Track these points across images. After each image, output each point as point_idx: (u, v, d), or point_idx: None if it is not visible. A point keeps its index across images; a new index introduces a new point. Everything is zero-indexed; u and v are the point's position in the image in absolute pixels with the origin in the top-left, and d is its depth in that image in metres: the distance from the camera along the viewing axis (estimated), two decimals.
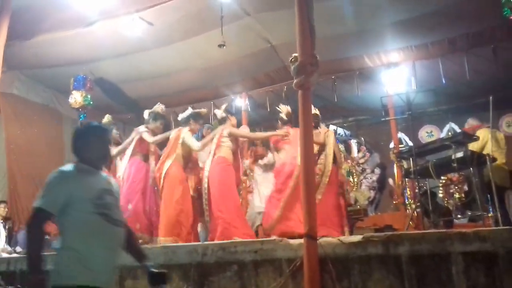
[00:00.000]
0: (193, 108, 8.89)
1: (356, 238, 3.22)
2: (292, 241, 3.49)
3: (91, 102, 7.66)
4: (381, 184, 8.33)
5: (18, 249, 6.59)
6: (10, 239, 6.76)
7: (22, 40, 6.42)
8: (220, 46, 5.94)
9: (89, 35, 6.54)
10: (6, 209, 6.78)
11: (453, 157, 4.70)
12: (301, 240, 3.26)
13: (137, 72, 7.80)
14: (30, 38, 6.46)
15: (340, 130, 9.23)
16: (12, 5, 5.54)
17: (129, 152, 5.54)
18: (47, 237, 7.22)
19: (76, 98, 7.52)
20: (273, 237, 4.12)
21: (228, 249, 3.65)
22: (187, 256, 3.79)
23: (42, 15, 6.04)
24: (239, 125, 8.58)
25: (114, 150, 5.45)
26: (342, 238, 3.36)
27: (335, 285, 3.11)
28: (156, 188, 5.37)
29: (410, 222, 5.40)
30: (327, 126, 9.04)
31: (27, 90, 8.16)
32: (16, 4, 5.60)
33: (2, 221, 6.63)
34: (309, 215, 3.20)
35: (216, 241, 4.39)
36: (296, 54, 3.50)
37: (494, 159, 5.01)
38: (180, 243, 4.49)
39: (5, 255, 6.04)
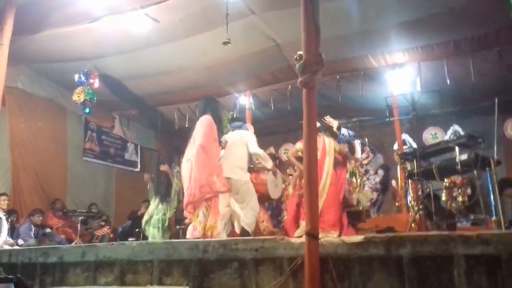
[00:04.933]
0: (196, 106, 8.96)
1: (358, 238, 3.19)
2: (293, 240, 3.48)
3: (95, 98, 7.64)
4: (384, 186, 8.28)
5: (20, 241, 6.61)
6: (12, 232, 6.78)
7: (28, 34, 6.42)
8: (225, 43, 5.91)
9: (94, 31, 6.54)
10: (7, 202, 6.78)
11: (457, 159, 4.68)
12: (303, 239, 3.25)
13: (142, 68, 7.81)
14: (36, 33, 6.45)
15: (344, 131, 9.19)
16: (18, 0, 5.55)
17: None
18: (49, 230, 7.32)
19: (79, 93, 7.50)
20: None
21: (229, 246, 3.63)
22: (188, 252, 3.79)
23: (48, 10, 6.04)
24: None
25: None
26: (344, 238, 3.34)
27: (335, 285, 3.10)
28: None
29: (413, 224, 5.37)
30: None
31: (31, 84, 8.14)
32: None
33: (5, 213, 6.64)
34: (311, 214, 3.19)
35: (217, 238, 4.39)
36: (301, 52, 3.47)
37: (498, 162, 4.98)
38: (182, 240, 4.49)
39: (7, 247, 6.06)
